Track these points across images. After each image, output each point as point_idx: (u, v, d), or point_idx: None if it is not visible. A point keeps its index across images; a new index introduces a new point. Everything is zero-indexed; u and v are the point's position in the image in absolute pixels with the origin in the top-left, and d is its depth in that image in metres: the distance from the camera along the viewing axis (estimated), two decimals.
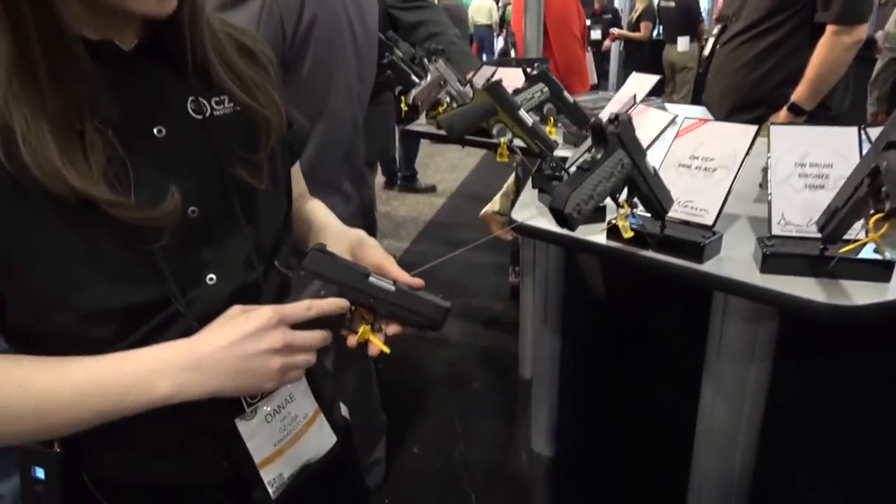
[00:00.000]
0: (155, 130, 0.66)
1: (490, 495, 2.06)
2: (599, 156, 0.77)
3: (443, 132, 1.96)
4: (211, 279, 0.70)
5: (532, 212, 1.14)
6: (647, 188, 0.84)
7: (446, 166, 5.90)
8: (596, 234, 1.01)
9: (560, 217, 0.75)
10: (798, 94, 1.95)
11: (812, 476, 1.37)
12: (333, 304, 0.70)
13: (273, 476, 0.76)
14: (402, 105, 1.77)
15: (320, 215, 0.91)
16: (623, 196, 0.83)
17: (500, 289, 3.38)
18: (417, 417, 2.40)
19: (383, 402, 2.06)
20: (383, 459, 2.06)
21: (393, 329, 0.75)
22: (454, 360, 2.79)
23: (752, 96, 2.07)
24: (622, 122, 0.78)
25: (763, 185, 1.16)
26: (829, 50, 1.86)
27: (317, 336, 0.68)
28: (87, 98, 0.59)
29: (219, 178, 0.70)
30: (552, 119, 1.53)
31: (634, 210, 0.85)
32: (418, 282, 0.75)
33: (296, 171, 0.90)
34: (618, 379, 2.02)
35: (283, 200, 0.81)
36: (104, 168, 0.60)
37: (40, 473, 0.71)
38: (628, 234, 0.85)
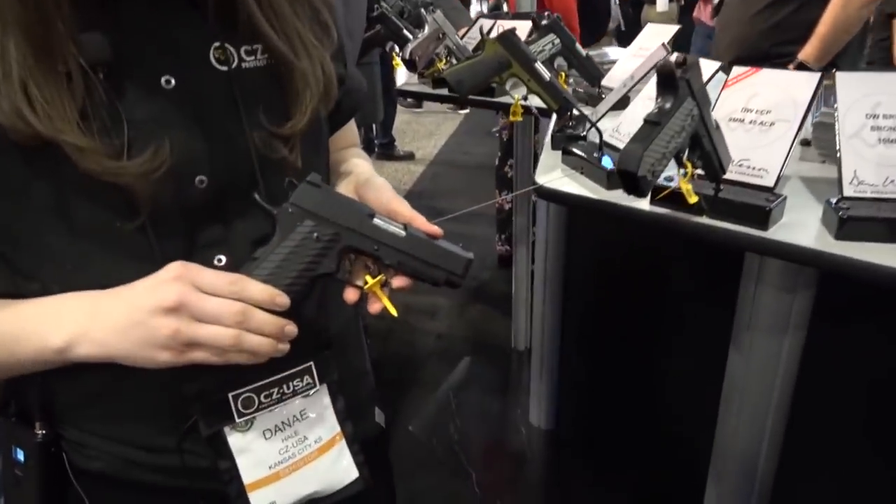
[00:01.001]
0: (163, 80, 0.55)
1: (490, 473, 1.99)
2: (668, 105, 0.66)
3: (439, 91, 1.84)
4: (219, 260, 0.60)
5: (556, 174, 1.03)
6: (710, 145, 0.74)
7: (424, 133, 5.74)
8: (635, 200, 0.90)
9: (631, 181, 0.63)
10: (806, 52, 1.84)
11: (839, 454, 1.31)
12: (268, 293, 0.55)
13: (264, 503, 0.65)
14: (395, 63, 1.63)
15: (349, 163, 0.78)
16: (685, 154, 0.72)
17: (486, 258, 3.29)
18: (410, 393, 2.32)
19: (375, 378, 1.97)
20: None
21: (399, 282, 0.62)
22: (444, 333, 2.71)
23: (757, 49, 1.96)
24: (691, 67, 0.66)
25: (810, 141, 1.07)
26: (842, 7, 1.74)
27: (232, 309, 0.53)
28: (67, 33, 0.49)
29: (240, 144, 0.59)
30: (563, 74, 1.41)
31: (697, 171, 0.75)
32: (436, 229, 0.62)
33: (347, 125, 0.80)
34: (622, 348, 1.96)
35: (317, 171, 0.69)
36: (82, 113, 0.50)
37: (20, 455, 0.65)
38: (693, 200, 0.74)
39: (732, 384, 1.27)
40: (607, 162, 0.98)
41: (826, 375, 1.24)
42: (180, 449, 0.63)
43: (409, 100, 5.36)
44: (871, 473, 1.26)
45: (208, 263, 0.59)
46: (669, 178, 0.85)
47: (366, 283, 0.61)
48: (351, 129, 0.82)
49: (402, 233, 0.60)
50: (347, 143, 0.81)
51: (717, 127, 0.75)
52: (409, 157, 4.98)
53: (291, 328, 0.57)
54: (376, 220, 0.60)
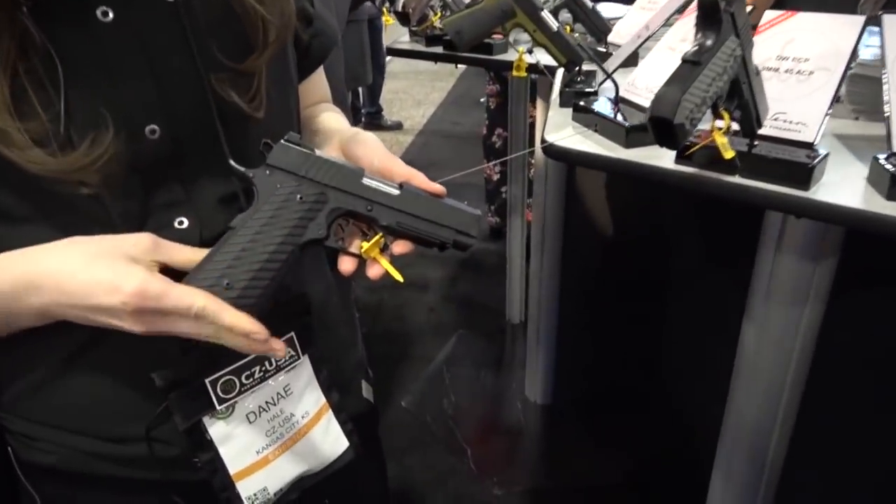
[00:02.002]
0: (98, 12, 0.47)
1: (486, 450, 1.94)
2: (709, 43, 0.57)
3: (433, 49, 1.74)
4: (181, 223, 0.54)
5: (567, 132, 0.94)
6: (749, 93, 0.65)
7: (411, 102, 5.62)
8: (657, 158, 0.82)
9: (665, 130, 0.54)
10: None
11: (855, 434, 1.25)
12: (243, 328, 0.48)
13: (254, 490, 0.60)
14: (387, 19, 1.51)
15: (321, 119, 0.70)
16: (722, 103, 0.64)
17: None
18: (402, 369, 2.26)
19: (366, 353, 1.90)
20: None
21: (400, 247, 0.55)
22: (436, 307, 2.64)
23: None
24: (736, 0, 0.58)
25: (840, 97, 0.98)
26: None
27: (203, 333, 0.48)
28: None
29: (194, 87, 0.51)
30: (569, 28, 1.31)
31: (734, 123, 0.66)
32: (438, 187, 0.55)
33: (317, 75, 0.72)
34: (624, 319, 1.90)
35: (287, 123, 0.61)
36: (12, 67, 0.43)
37: None
38: (730, 155, 0.66)
39: (745, 358, 1.20)
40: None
41: (844, 349, 1.17)
42: (148, 438, 0.57)
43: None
44: (889, 456, 1.21)
45: (168, 226, 0.53)
46: (696, 134, 0.77)
47: (364, 248, 0.54)
48: (321, 82, 0.74)
49: (396, 191, 0.53)
50: (319, 98, 0.73)
51: (758, 72, 0.66)
52: (398, 126, 4.87)
53: (279, 345, 0.50)
54: (366, 180, 0.53)
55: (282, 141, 0.52)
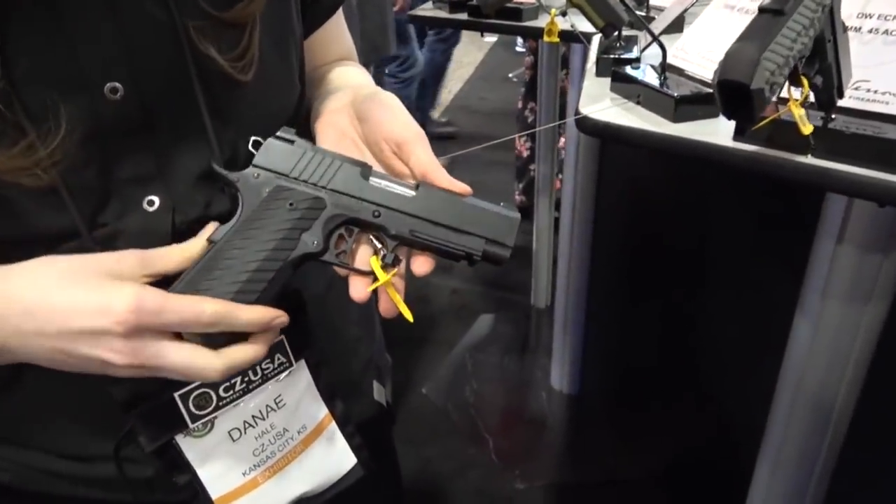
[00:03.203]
0: None
1: (508, 440, 1.86)
2: None
3: (457, 16, 1.62)
4: (151, 202, 0.46)
5: (605, 104, 0.84)
6: (833, 54, 0.54)
7: None
8: (712, 134, 0.71)
9: (739, 98, 0.44)
10: None
11: None
12: (263, 319, 0.42)
13: None
14: None
15: (334, 75, 0.61)
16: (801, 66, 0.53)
17: None
18: (423, 354, 2.19)
19: (384, 337, 1.84)
20: (389, 403, 1.84)
21: (422, 265, 0.47)
22: (460, 289, 2.55)
23: None
24: None
25: None
26: None
27: (196, 359, 0.40)
28: None
29: (168, 38, 0.43)
30: None
31: (812, 92, 0.55)
32: (462, 186, 0.47)
33: (336, 26, 0.62)
34: (656, 305, 1.79)
35: (288, 88, 0.53)
36: None
37: None
38: (809, 130, 0.55)
39: (795, 357, 1.09)
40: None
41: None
42: (117, 457, 0.50)
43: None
44: None
45: (136, 207, 0.45)
46: None
47: (374, 276, 0.46)
48: (339, 35, 0.63)
49: (412, 192, 0.45)
50: (338, 56, 0.63)
51: (845, 29, 0.55)
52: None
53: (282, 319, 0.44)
54: (374, 179, 0.45)
55: (270, 138, 0.44)
